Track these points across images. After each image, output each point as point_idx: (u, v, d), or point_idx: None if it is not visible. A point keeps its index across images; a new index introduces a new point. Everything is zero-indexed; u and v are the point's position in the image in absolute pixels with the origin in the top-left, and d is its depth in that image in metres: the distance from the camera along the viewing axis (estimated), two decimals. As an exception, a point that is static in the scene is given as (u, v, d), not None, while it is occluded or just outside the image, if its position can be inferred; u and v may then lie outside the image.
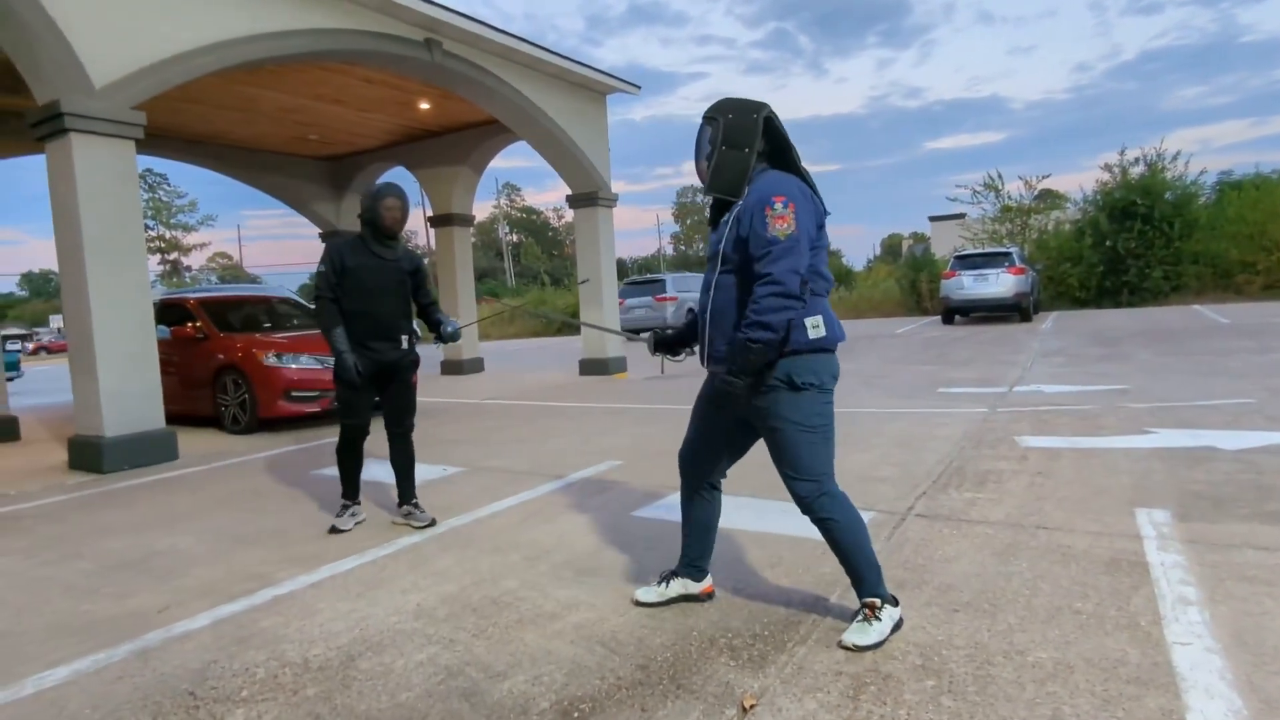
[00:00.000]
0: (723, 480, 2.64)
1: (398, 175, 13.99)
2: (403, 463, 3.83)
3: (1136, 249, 19.33)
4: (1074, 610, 2.41)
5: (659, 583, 2.67)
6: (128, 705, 2.16)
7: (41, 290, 65.43)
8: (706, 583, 2.66)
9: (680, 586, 2.64)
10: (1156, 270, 19.18)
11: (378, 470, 4.27)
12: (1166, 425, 5.01)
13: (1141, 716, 1.82)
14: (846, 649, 2.23)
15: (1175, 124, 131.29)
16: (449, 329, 3.89)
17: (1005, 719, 1.84)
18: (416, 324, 3.93)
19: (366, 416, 3.81)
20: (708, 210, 2.52)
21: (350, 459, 3.85)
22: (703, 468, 2.57)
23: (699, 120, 2.39)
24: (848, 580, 2.44)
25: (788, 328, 2.15)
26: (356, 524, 3.84)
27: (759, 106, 2.31)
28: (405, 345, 3.82)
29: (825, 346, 2.24)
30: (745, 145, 2.28)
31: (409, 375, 3.87)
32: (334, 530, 3.75)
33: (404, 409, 3.85)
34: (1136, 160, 21.34)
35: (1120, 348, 9.94)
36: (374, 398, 3.82)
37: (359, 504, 3.91)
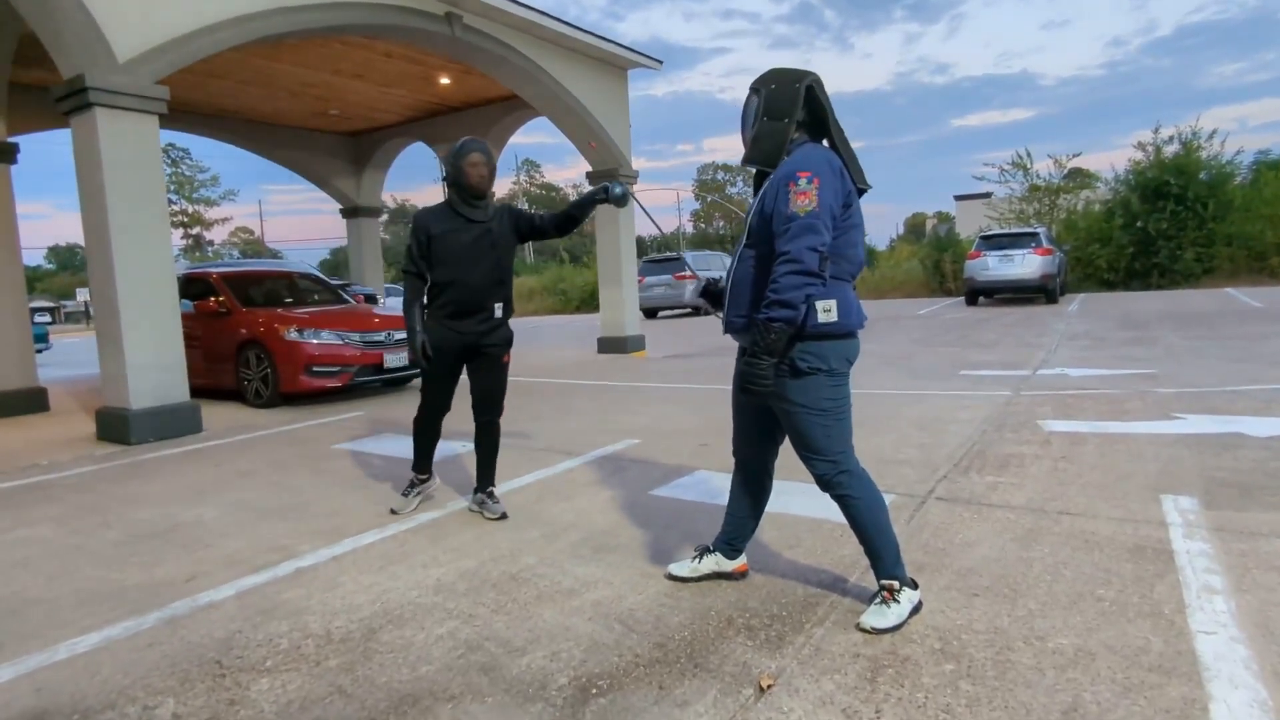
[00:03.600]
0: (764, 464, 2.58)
1: (417, 150, 13.97)
2: (486, 450, 3.60)
3: (1168, 230, 18.91)
4: (1096, 597, 2.39)
5: (693, 558, 2.69)
6: (157, 672, 2.22)
7: (68, 263, 66.48)
8: (740, 561, 2.66)
9: (713, 563, 2.65)
10: (1188, 252, 18.76)
11: (393, 446, 4.30)
12: (1194, 411, 4.92)
13: (1163, 705, 1.80)
14: (864, 631, 2.22)
15: (1212, 101, 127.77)
16: (617, 190, 3.37)
17: (1024, 704, 1.83)
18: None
19: (446, 400, 3.59)
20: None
21: (426, 435, 3.65)
22: (748, 454, 2.56)
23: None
24: (867, 563, 2.43)
25: (808, 305, 2.12)
26: (421, 502, 3.73)
27: (802, 76, 2.26)
28: (499, 314, 3.48)
29: (835, 332, 2.19)
30: (785, 116, 2.23)
31: (500, 355, 3.53)
32: (393, 511, 3.64)
33: (493, 396, 3.55)
34: (1171, 139, 20.81)
35: (1148, 331, 9.76)
36: (456, 379, 3.56)
37: (429, 478, 3.75)
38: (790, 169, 2.15)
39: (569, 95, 9.78)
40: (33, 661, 2.32)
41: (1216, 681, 1.88)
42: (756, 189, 2.35)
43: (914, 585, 2.33)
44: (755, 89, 2.31)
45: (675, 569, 2.70)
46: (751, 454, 2.56)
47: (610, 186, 3.38)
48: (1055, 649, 2.09)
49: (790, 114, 2.22)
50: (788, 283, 2.07)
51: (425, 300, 3.47)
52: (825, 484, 2.31)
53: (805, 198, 2.09)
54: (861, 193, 2.29)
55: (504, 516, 3.51)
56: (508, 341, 3.58)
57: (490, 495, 3.61)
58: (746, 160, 2.33)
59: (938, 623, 2.27)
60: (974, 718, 1.80)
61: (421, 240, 3.39)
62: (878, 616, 2.24)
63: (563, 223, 3.58)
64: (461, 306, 3.40)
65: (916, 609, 2.30)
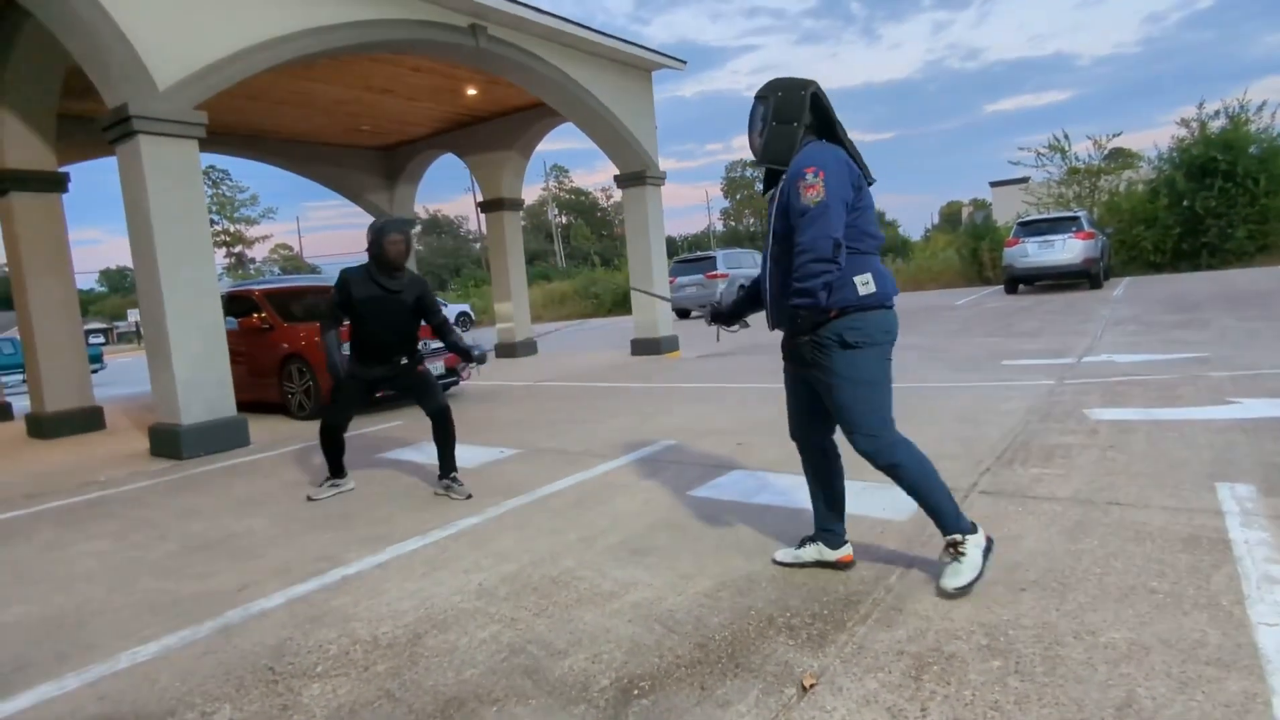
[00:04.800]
0: (822, 444, 2.67)
1: (448, 162, 14.17)
2: (441, 441, 4.14)
3: (1217, 208, 18.23)
4: (1149, 589, 2.32)
5: (798, 545, 2.75)
6: (213, 679, 2.29)
7: (119, 286, 68.80)
8: (844, 551, 2.66)
9: (815, 552, 2.68)
10: (1240, 230, 18.06)
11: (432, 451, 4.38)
12: (1251, 395, 4.74)
13: (1223, 700, 1.74)
14: (947, 595, 2.32)
15: (1260, 72, 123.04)
16: (477, 352, 4.15)
17: (1076, 701, 1.79)
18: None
19: (343, 418, 4.26)
20: (758, 184, 2.79)
21: (329, 445, 4.29)
22: (804, 434, 2.66)
23: (749, 94, 2.56)
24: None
25: (829, 289, 2.26)
26: (336, 494, 4.34)
27: (806, 84, 2.47)
28: (404, 362, 4.20)
29: (876, 304, 2.34)
30: (794, 120, 2.43)
31: (413, 367, 4.21)
32: (310, 499, 4.25)
33: (424, 394, 4.18)
34: (1216, 113, 20.06)
35: (1199, 313, 9.44)
36: (360, 403, 4.27)
37: (343, 478, 4.42)
38: (798, 168, 2.33)
39: (594, 100, 9.84)
40: (96, 671, 2.41)
41: (1279, 675, 1.82)
42: (766, 186, 2.54)
43: (974, 529, 2.40)
44: (761, 96, 2.50)
45: (780, 555, 2.77)
46: (804, 433, 2.66)
47: (474, 350, 4.16)
48: (1107, 643, 2.03)
49: (799, 118, 2.42)
50: (806, 270, 2.24)
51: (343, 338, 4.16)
52: (871, 457, 2.40)
53: (814, 190, 2.26)
54: (869, 184, 2.46)
55: (469, 497, 3.98)
56: (419, 361, 4.28)
57: (454, 480, 4.13)
58: (761, 160, 2.53)
59: (984, 618, 2.23)
60: (1024, 715, 1.76)
61: (344, 298, 4.03)
62: (954, 576, 2.33)
63: (437, 330, 4.24)
64: (371, 355, 4.13)
65: (988, 550, 2.39)
